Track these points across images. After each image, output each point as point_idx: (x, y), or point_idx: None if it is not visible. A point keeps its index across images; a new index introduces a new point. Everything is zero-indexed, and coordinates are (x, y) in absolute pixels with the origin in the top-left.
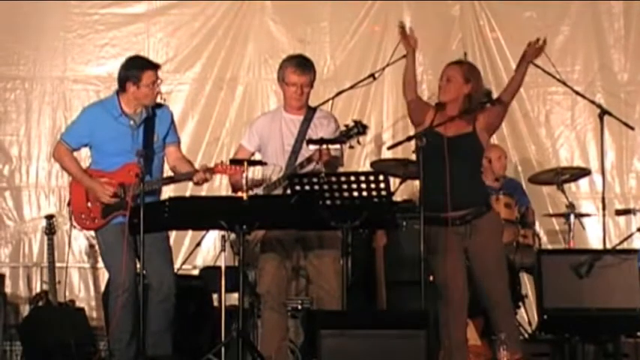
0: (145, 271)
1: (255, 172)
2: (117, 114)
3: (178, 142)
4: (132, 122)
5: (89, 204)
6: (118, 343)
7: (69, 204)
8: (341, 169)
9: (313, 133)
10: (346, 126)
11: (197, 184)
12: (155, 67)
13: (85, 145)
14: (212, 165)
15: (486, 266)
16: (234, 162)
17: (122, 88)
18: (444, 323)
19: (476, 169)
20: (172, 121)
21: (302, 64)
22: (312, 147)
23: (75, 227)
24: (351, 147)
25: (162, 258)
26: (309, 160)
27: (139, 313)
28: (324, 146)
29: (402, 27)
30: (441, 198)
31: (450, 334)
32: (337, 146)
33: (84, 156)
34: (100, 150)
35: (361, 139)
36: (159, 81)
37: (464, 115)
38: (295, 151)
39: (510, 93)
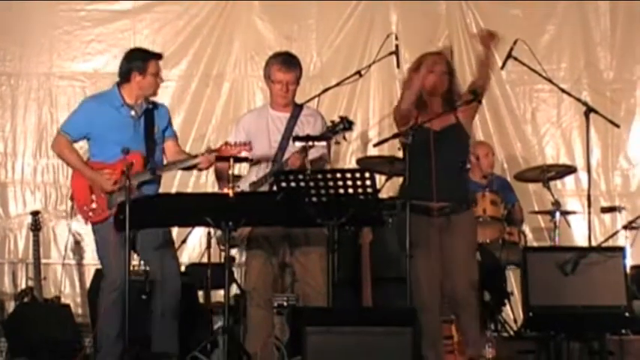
0: (148, 268)
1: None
2: (118, 104)
3: (176, 137)
4: (133, 113)
5: (93, 196)
6: (105, 339)
7: (71, 198)
8: (327, 166)
9: (300, 130)
10: (332, 122)
11: (202, 169)
12: (159, 57)
13: (84, 137)
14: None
15: (453, 265)
16: (221, 159)
17: (126, 79)
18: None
19: (463, 164)
20: (170, 117)
21: (287, 61)
22: (298, 144)
23: (85, 220)
24: (337, 143)
25: (167, 254)
26: (286, 162)
27: (129, 311)
28: (311, 143)
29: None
30: (426, 188)
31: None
32: (323, 143)
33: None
34: (101, 140)
35: (347, 135)
36: (161, 74)
37: (449, 108)
38: (282, 148)
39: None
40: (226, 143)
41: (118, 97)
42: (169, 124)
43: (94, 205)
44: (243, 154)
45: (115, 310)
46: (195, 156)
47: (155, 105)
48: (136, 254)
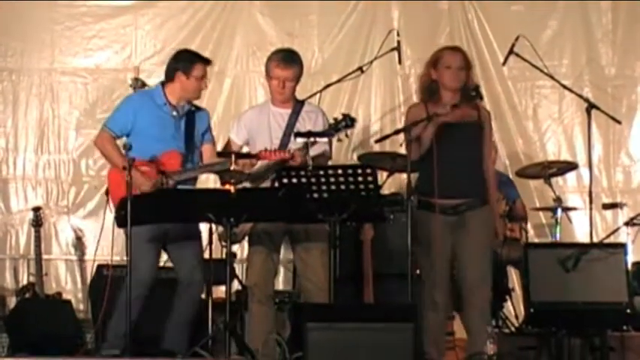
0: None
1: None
2: (161, 102)
3: (213, 143)
4: (175, 113)
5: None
6: (113, 331)
7: (107, 193)
8: (329, 162)
9: (301, 126)
10: (335, 119)
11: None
12: (206, 61)
13: (128, 134)
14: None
15: (465, 259)
16: (223, 154)
17: (170, 79)
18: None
19: (479, 159)
20: (210, 122)
21: (287, 58)
22: (300, 140)
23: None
24: (340, 140)
25: (192, 252)
26: (292, 157)
27: (141, 307)
28: (312, 139)
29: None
30: (439, 184)
31: (434, 322)
32: (325, 140)
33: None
34: (142, 135)
35: (349, 132)
36: (207, 79)
37: (466, 102)
38: (284, 144)
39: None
40: (266, 149)
41: (161, 96)
42: (209, 129)
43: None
44: (245, 149)
45: (135, 306)
46: (228, 161)
47: (197, 108)
48: (165, 252)
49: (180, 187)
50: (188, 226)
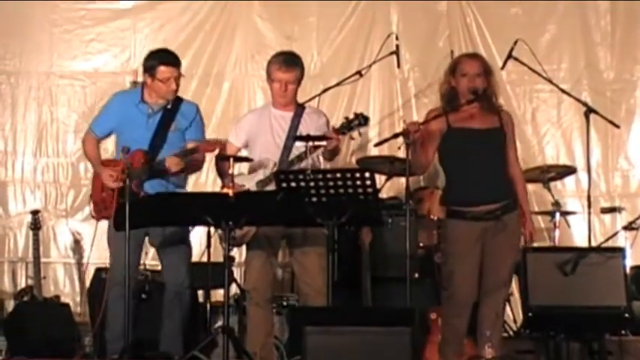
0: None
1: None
2: (137, 101)
3: (199, 140)
4: (150, 110)
5: (104, 194)
6: (110, 333)
7: (91, 196)
8: (327, 166)
9: (304, 128)
10: (346, 118)
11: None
12: (171, 63)
13: (110, 134)
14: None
15: (497, 259)
16: (222, 158)
17: (144, 79)
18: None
19: (504, 164)
20: (196, 118)
21: (288, 61)
22: (299, 143)
23: (93, 217)
24: (352, 139)
25: (177, 254)
26: (305, 153)
27: (133, 307)
28: (311, 143)
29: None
30: (470, 192)
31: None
32: (324, 143)
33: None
34: (120, 139)
35: (362, 130)
36: (181, 77)
37: (488, 109)
38: (288, 147)
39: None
40: (201, 141)
41: (138, 95)
42: (194, 125)
43: (102, 202)
44: (243, 152)
45: (119, 306)
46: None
47: (181, 104)
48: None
49: (149, 185)
50: (175, 230)
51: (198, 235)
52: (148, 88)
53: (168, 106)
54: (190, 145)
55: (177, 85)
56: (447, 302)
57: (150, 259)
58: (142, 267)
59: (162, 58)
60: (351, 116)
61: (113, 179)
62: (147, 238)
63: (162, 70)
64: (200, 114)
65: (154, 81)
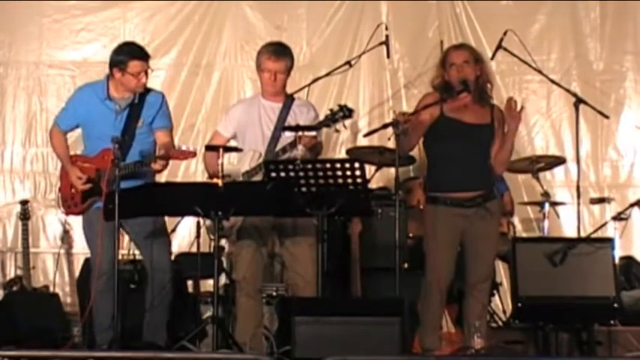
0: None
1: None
2: (103, 97)
3: (167, 128)
4: (117, 107)
5: (73, 190)
6: (98, 326)
7: (59, 190)
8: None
9: (292, 120)
10: (331, 110)
11: (158, 171)
12: (142, 57)
13: (76, 127)
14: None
15: (482, 250)
16: (210, 148)
17: (110, 73)
18: (425, 305)
19: (489, 156)
20: (162, 107)
21: (278, 51)
22: (288, 133)
23: (62, 213)
24: (337, 131)
25: (157, 244)
26: (291, 144)
27: (118, 299)
28: (301, 133)
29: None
30: (452, 178)
31: (429, 317)
32: (313, 133)
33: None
34: (86, 133)
35: (347, 122)
36: (149, 71)
37: (480, 101)
38: (275, 137)
39: (500, 164)
40: (173, 147)
41: (104, 90)
42: (160, 113)
43: (71, 198)
44: (233, 143)
45: (107, 297)
46: (149, 163)
47: (147, 95)
48: (132, 242)
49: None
50: (153, 220)
51: (187, 226)
52: (116, 81)
53: (135, 101)
54: (161, 152)
55: (147, 79)
56: (424, 287)
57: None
58: (130, 257)
59: (133, 52)
60: (335, 108)
61: (82, 182)
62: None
63: (134, 64)
64: (166, 102)
65: (124, 75)
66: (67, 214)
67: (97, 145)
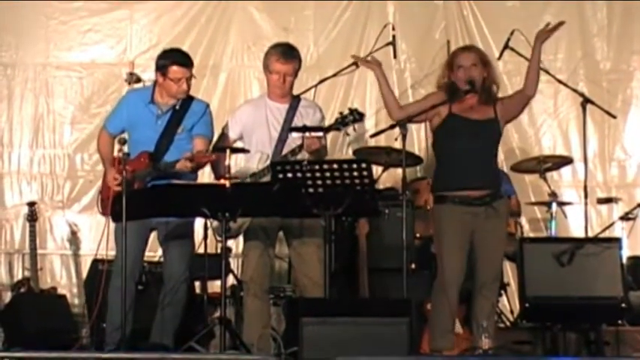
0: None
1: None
2: (147, 101)
3: (205, 136)
4: (159, 111)
5: (111, 191)
6: (110, 325)
7: (100, 191)
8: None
9: (299, 121)
10: (341, 113)
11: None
12: (184, 64)
13: (123, 132)
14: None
15: (491, 250)
16: (217, 149)
17: (155, 78)
18: (437, 307)
19: (495, 155)
20: (204, 116)
21: (286, 52)
22: (295, 134)
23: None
24: (347, 134)
25: (179, 248)
26: (300, 147)
27: (133, 300)
28: (308, 134)
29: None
30: (460, 176)
31: (440, 319)
32: (320, 134)
33: None
34: (130, 137)
35: (357, 126)
36: (192, 79)
37: (487, 100)
38: (282, 139)
39: (532, 84)
40: (199, 152)
41: (149, 94)
42: (202, 122)
43: (107, 199)
44: (239, 144)
45: (120, 298)
46: (173, 165)
47: (191, 103)
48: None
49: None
50: (178, 224)
51: (194, 227)
52: (159, 86)
53: (177, 107)
54: (187, 155)
55: (189, 86)
56: (435, 288)
57: (147, 250)
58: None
59: (174, 58)
60: (346, 112)
61: (117, 182)
62: (154, 233)
63: (175, 70)
64: (210, 112)
65: (165, 80)
66: (104, 214)
67: (138, 148)
